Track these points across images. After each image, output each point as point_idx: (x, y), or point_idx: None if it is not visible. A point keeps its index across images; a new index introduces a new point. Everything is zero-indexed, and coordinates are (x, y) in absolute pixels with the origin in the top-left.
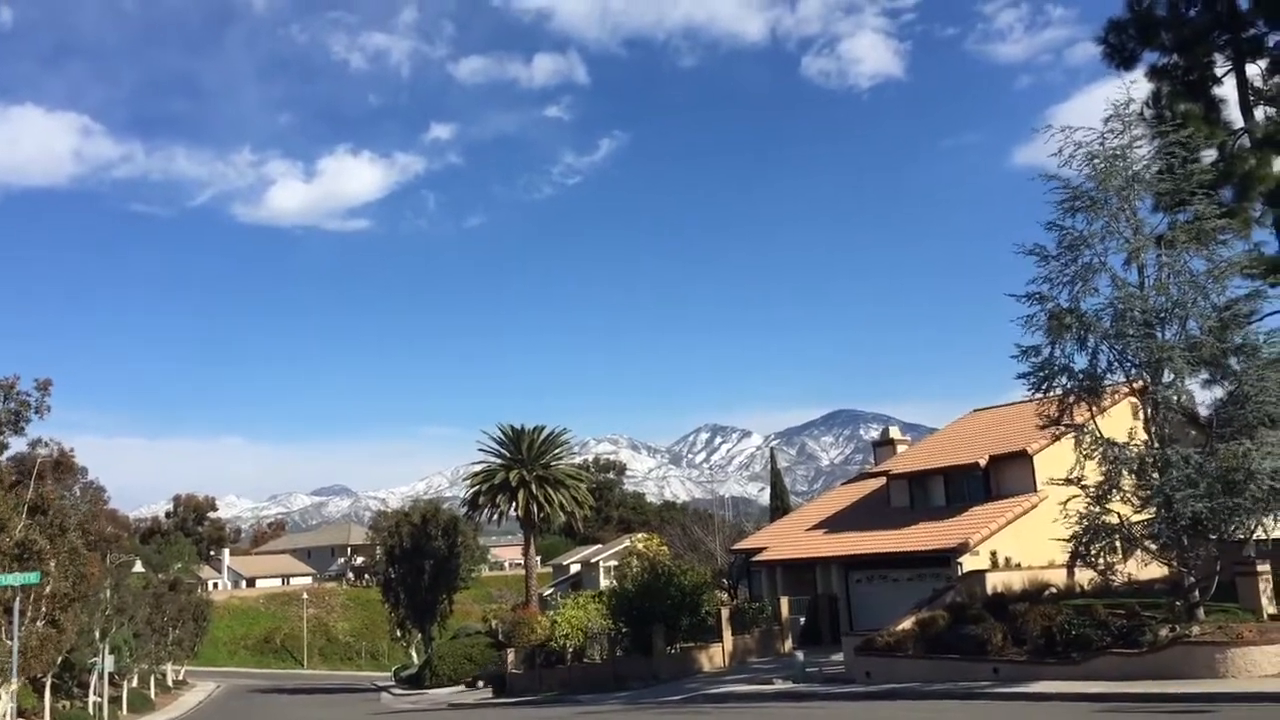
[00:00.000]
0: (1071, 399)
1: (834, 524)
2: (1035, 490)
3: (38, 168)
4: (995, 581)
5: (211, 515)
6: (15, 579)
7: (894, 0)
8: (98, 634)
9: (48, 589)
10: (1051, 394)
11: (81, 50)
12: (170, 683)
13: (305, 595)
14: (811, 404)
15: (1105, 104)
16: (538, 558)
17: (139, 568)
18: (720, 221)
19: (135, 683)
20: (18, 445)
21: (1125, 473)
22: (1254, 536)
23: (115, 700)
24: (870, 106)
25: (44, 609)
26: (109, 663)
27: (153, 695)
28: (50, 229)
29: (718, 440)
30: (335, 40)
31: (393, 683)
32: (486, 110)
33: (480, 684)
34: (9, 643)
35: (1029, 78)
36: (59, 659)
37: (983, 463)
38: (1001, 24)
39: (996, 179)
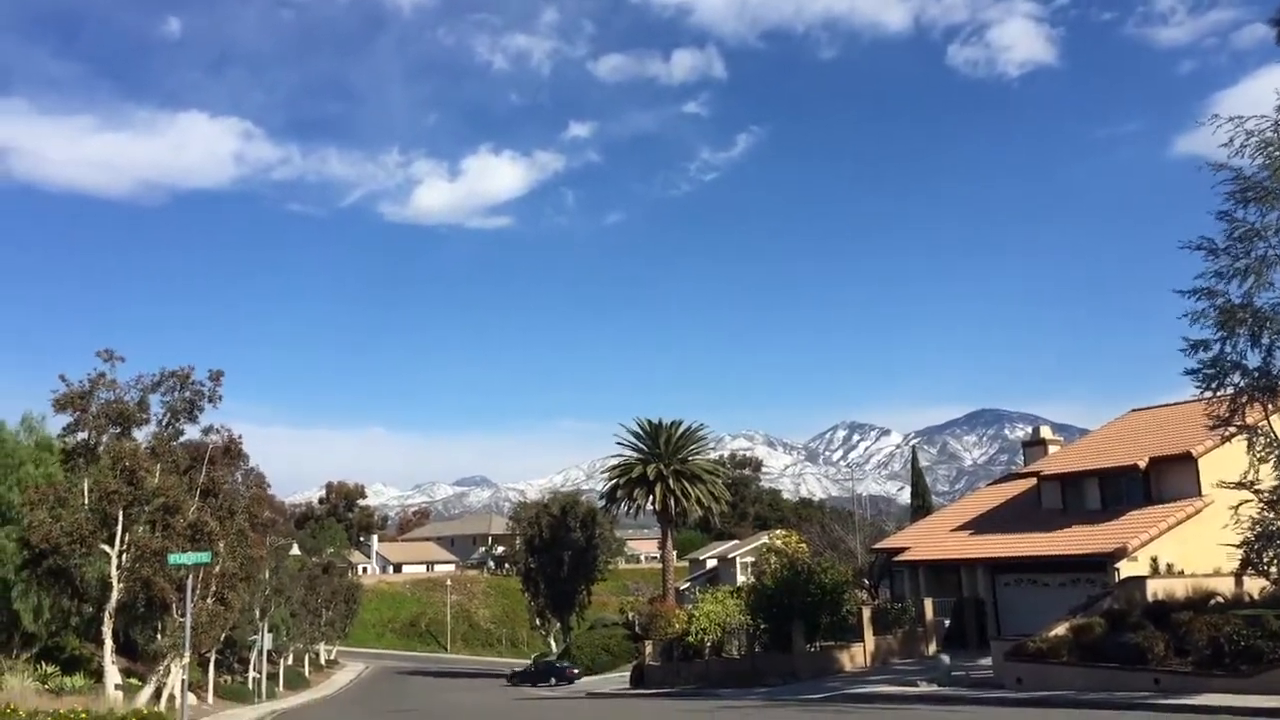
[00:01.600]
0: (1244, 399)
1: (980, 525)
2: (1199, 494)
3: (203, 171)
4: (1156, 588)
5: (361, 502)
6: (189, 558)
7: None
8: (258, 613)
9: (217, 568)
10: (1222, 393)
11: (242, 58)
12: (323, 661)
13: (449, 582)
14: (954, 402)
15: (1277, 90)
16: (674, 552)
17: (295, 551)
18: (860, 216)
19: (290, 660)
20: (191, 432)
21: None
22: None
23: (273, 676)
24: (1021, 96)
25: (214, 587)
26: (268, 640)
27: (307, 673)
28: (214, 229)
29: (855, 438)
30: (479, 42)
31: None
32: (625, 108)
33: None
34: (181, 619)
35: (1192, 62)
36: (223, 635)
37: (1142, 464)
38: (1163, 6)
39: (1156, 169)
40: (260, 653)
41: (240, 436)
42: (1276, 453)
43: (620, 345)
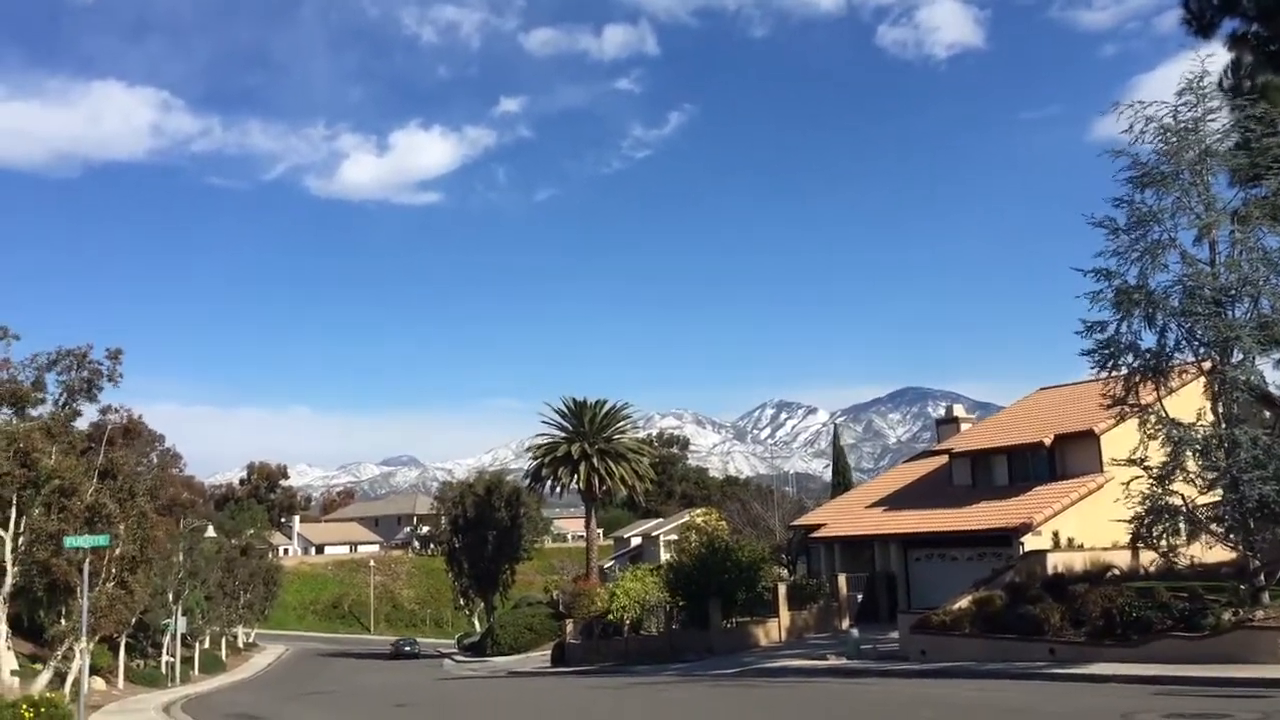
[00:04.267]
0: (1137, 378)
1: (894, 501)
2: (1101, 471)
3: (119, 142)
4: (1056, 561)
5: (283, 483)
6: (85, 541)
7: None
8: (171, 596)
9: (117, 551)
10: (1117, 372)
11: (160, 25)
12: (241, 645)
13: (372, 563)
14: (879, 381)
15: (1185, 74)
16: (599, 530)
17: (211, 532)
18: (789, 196)
19: (207, 644)
20: (90, 412)
21: (1190, 453)
22: None
23: (188, 660)
24: (948, 77)
25: (113, 571)
26: (182, 624)
27: (224, 656)
28: (130, 202)
29: (783, 416)
30: (407, 13)
31: (455, 650)
32: (556, 83)
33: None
34: (81, 603)
35: (1114, 46)
36: (131, 619)
37: (1048, 442)
38: None
39: (1077, 151)
40: (174, 636)
41: (140, 416)
42: (1165, 430)
43: (552, 323)
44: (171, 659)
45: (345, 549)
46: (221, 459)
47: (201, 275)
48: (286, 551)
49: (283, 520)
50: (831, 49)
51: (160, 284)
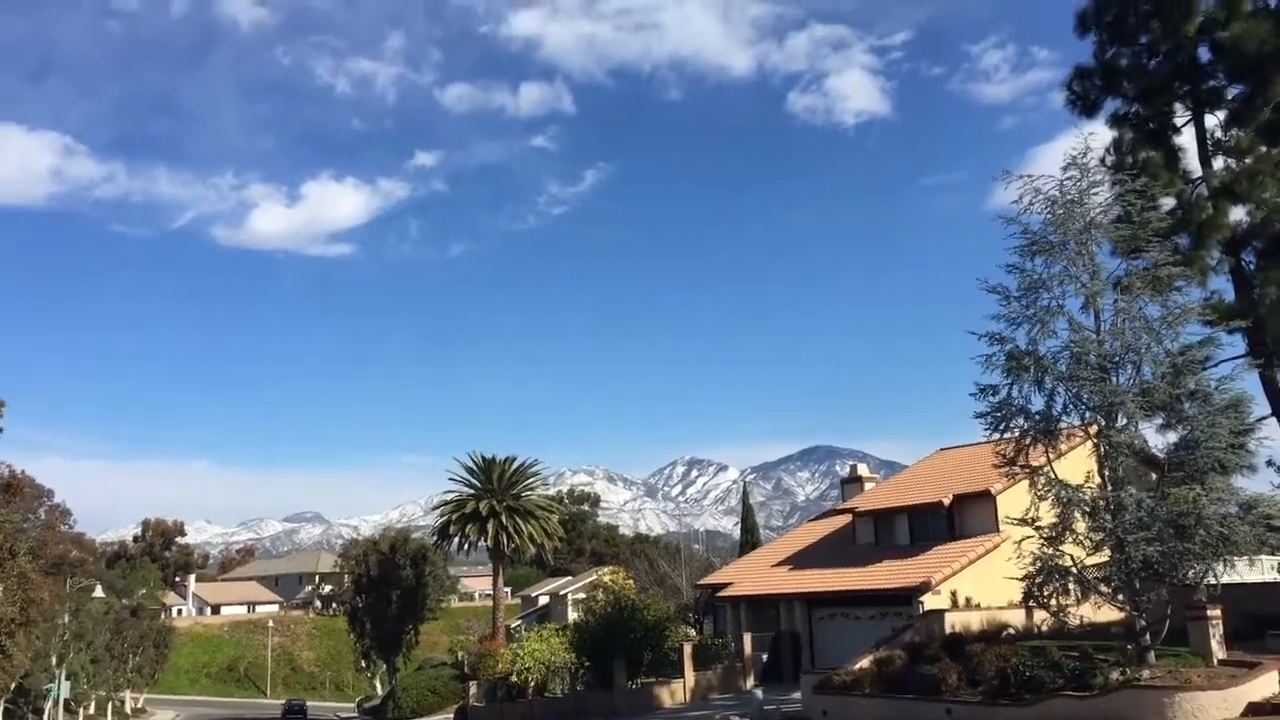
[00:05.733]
0: (1028, 440)
1: (800, 560)
2: (997, 530)
3: (16, 186)
4: (954, 621)
5: (180, 540)
6: None
7: (882, 39)
8: (54, 659)
9: None
10: (1009, 435)
11: (65, 68)
12: (129, 710)
13: (270, 623)
14: (789, 439)
15: (1070, 151)
16: (507, 589)
17: (100, 592)
18: (703, 255)
19: (92, 710)
20: None
21: (1078, 515)
22: (1204, 581)
23: None
24: (855, 143)
25: None
26: (65, 689)
27: None
28: (26, 248)
29: (694, 474)
30: (320, 64)
31: (356, 713)
32: (472, 138)
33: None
34: None
35: (1013, 119)
36: (10, 684)
37: (947, 501)
38: (987, 65)
39: (977, 218)
40: (56, 702)
41: (24, 471)
42: (1054, 492)
43: (465, 378)
44: None
45: (243, 609)
46: (115, 515)
47: (99, 324)
48: (181, 612)
49: (178, 579)
50: (744, 113)
51: (55, 332)
